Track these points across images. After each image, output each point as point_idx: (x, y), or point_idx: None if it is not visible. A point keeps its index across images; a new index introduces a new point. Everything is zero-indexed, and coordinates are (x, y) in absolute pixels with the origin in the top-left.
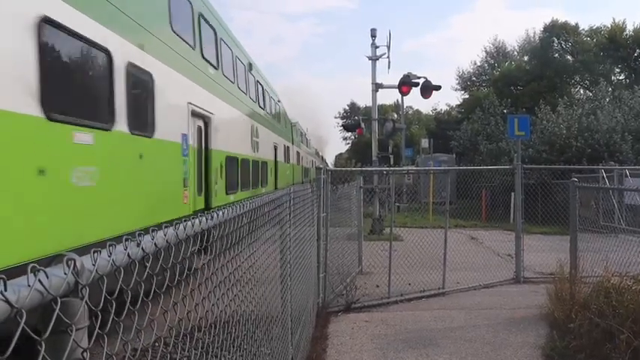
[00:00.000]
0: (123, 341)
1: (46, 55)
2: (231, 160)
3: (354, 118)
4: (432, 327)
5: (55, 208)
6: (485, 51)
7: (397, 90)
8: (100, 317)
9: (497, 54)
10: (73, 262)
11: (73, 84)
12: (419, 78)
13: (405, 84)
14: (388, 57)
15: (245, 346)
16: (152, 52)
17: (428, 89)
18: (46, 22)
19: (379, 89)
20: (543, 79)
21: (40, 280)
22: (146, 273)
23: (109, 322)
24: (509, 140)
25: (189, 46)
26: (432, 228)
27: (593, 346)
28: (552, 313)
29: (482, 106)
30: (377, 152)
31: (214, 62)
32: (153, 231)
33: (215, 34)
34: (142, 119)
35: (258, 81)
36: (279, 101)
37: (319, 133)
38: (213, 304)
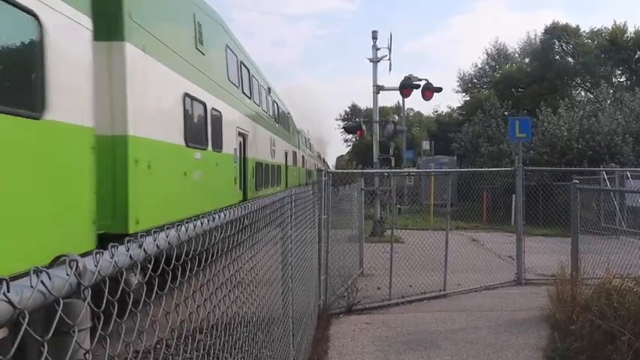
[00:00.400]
0: (125, 342)
1: (186, 113)
2: (259, 165)
3: (355, 120)
4: (433, 329)
5: (189, 192)
6: (486, 53)
7: (398, 92)
8: (102, 318)
9: (498, 56)
10: (75, 263)
11: (194, 126)
12: (420, 80)
13: (406, 86)
14: (389, 59)
15: (246, 348)
16: (222, 97)
17: (429, 91)
18: (187, 95)
19: (380, 91)
20: (544, 81)
21: (42, 282)
22: (148, 274)
23: (111, 324)
24: (511, 142)
25: (236, 86)
26: (433, 230)
27: (595, 347)
28: (553, 315)
29: (484, 108)
30: (378, 154)
31: (249, 94)
32: (155, 232)
33: (249, 72)
34: (217, 141)
35: (274, 101)
36: (288, 113)
37: (320, 134)
38: (215, 306)
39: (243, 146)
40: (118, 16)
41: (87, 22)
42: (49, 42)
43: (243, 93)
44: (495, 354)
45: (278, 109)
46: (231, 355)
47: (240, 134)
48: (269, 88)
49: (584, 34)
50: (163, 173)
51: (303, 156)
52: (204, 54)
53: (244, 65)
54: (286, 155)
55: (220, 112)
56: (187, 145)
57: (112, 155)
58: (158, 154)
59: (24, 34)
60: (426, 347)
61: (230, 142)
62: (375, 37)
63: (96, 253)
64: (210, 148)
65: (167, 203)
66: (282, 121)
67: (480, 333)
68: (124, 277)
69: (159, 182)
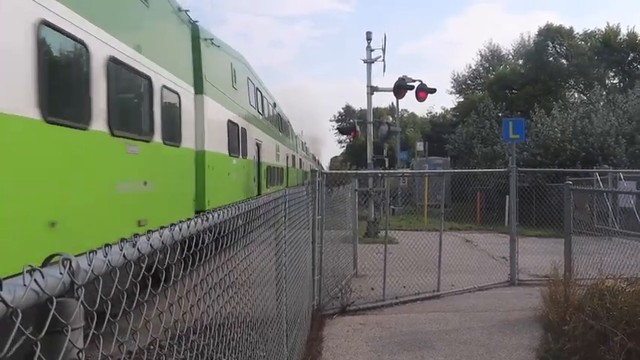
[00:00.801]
0: (118, 342)
1: (228, 132)
2: (268, 167)
3: (349, 121)
4: (426, 329)
5: (230, 186)
6: (481, 54)
7: (392, 93)
8: (95, 318)
9: (492, 57)
10: (68, 262)
11: (232, 140)
12: (414, 81)
13: (400, 87)
14: (383, 60)
15: (240, 349)
16: (246, 118)
17: (423, 92)
18: (229, 121)
19: (374, 92)
20: (538, 83)
21: (35, 280)
22: (142, 274)
23: (105, 323)
24: (504, 143)
25: (254, 107)
26: (426, 231)
27: (588, 348)
28: (547, 316)
29: (478, 110)
30: (372, 155)
31: (261, 111)
32: (149, 232)
33: (261, 94)
34: (244, 150)
35: (278, 113)
36: (288, 122)
37: (315, 136)
38: (208, 306)
39: (258, 153)
40: (201, 81)
41: (191, 88)
42: (184, 103)
43: (258, 112)
44: (489, 354)
45: (281, 120)
46: (224, 355)
47: (256, 144)
48: (274, 103)
49: (578, 36)
50: (218, 173)
51: (300, 159)
52: (236, 89)
53: (259, 90)
54: (287, 158)
55: (246, 129)
56: (229, 155)
57: (198, 163)
58: (216, 161)
59: (176, 100)
60: (420, 348)
61: (251, 151)
62: (369, 38)
63: (89, 252)
64: (240, 156)
65: (220, 193)
66: (284, 129)
67: (473, 333)
68: (117, 277)
69: (217, 179)
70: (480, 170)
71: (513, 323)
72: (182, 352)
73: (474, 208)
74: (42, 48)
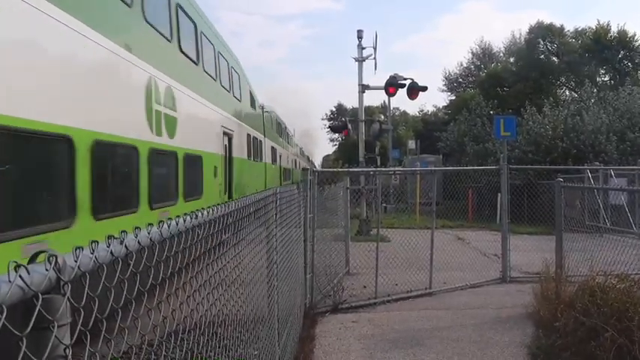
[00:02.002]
0: (106, 339)
1: (248, 143)
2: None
3: (340, 120)
4: (418, 327)
5: (250, 182)
6: (472, 52)
7: (384, 91)
8: (82, 314)
9: (484, 55)
10: (54, 258)
11: (252, 148)
12: (405, 79)
13: (392, 85)
14: (374, 58)
15: (231, 347)
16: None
17: (414, 90)
18: (248, 134)
19: (366, 90)
20: (529, 81)
21: (20, 276)
22: (130, 270)
23: (92, 320)
24: (496, 141)
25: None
26: (418, 229)
27: (579, 344)
28: (538, 312)
29: (469, 107)
30: (364, 153)
31: (277, 131)
32: (136, 229)
33: (280, 126)
34: (260, 155)
35: (285, 127)
36: (293, 136)
37: (307, 135)
38: (198, 303)
39: (279, 161)
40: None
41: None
42: (265, 144)
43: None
44: (480, 351)
45: (288, 134)
46: (215, 353)
47: (273, 149)
48: (285, 128)
49: (569, 34)
50: (241, 172)
51: (295, 160)
52: (254, 112)
53: (278, 122)
54: (288, 160)
55: (260, 140)
56: (248, 159)
57: (265, 168)
58: (239, 163)
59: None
60: (412, 345)
61: (268, 155)
62: (360, 37)
63: (76, 249)
64: (265, 160)
65: (242, 187)
66: (289, 140)
67: (465, 331)
68: (104, 274)
69: (240, 177)
70: (471, 168)
71: (505, 320)
72: (171, 350)
73: (466, 205)
74: (248, 141)
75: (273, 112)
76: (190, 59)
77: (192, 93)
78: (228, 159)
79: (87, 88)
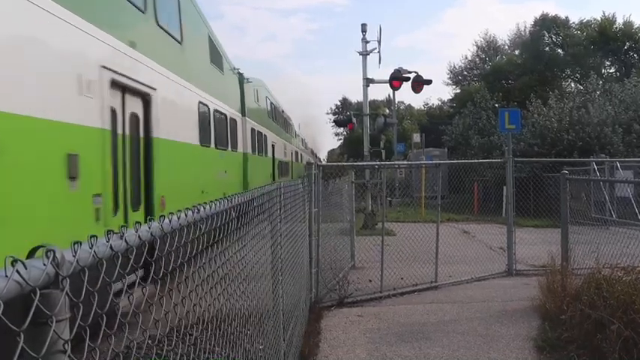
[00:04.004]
0: (107, 334)
1: (253, 139)
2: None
3: (345, 114)
4: (424, 320)
5: (261, 174)
6: (477, 45)
7: (388, 85)
8: (81, 309)
9: (489, 48)
10: (52, 253)
11: (257, 145)
12: (410, 73)
13: (396, 78)
14: (379, 52)
15: (236, 341)
16: (273, 131)
17: (419, 84)
18: (254, 130)
19: (370, 84)
20: (534, 73)
21: (18, 271)
22: (130, 264)
23: (91, 315)
24: (501, 134)
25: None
26: (424, 222)
27: (585, 336)
28: (544, 305)
29: (474, 101)
30: (369, 147)
31: (282, 124)
32: (137, 223)
33: (276, 109)
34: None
35: (286, 119)
36: (298, 134)
37: (312, 130)
38: (200, 298)
39: (272, 152)
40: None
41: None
42: (244, 126)
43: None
44: (486, 344)
45: (288, 122)
46: (219, 346)
47: (272, 146)
48: (283, 112)
49: (574, 26)
50: (253, 167)
51: (301, 154)
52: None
53: (271, 102)
54: (285, 152)
55: (233, 119)
56: (254, 154)
57: (243, 161)
58: (253, 160)
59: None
60: (418, 339)
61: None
62: (364, 31)
63: (74, 243)
64: (263, 155)
65: (256, 179)
66: (288, 129)
67: (471, 324)
68: (104, 268)
69: (253, 170)
70: (476, 161)
71: (511, 313)
72: (174, 344)
73: (472, 199)
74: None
75: (262, 86)
76: (289, 133)
77: (288, 144)
78: (145, 140)
79: None
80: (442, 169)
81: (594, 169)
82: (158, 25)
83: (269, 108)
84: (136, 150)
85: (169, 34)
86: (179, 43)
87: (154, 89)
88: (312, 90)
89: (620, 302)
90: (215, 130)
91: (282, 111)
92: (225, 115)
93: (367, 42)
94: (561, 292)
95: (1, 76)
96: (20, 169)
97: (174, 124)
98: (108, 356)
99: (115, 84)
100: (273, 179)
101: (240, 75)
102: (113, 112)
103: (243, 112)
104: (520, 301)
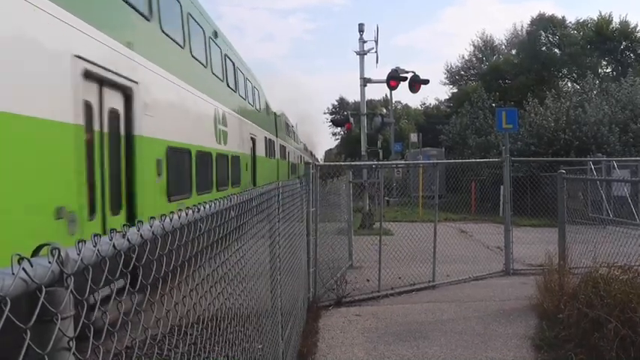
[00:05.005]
0: (110, 332)
1: (265, 145)
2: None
3: (342, 114)
4: (422, 320)
5: (269, 174)
6: (474, 45)
7: (386, 85)
8: (85, 307)
9: (485, 48)
10: (57, 251)
11: (269, 148)
12: (407, 72)
13: (393, 78)
14: (376, 51)
15: (235, 340)
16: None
17: (416, 83)
18: (267, 139)
19: (367, 84)
20: (531, 73)
21: (24, 269)
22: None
23: (95, 313)
24: (498, 133)
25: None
26: (421, 222)
27: (582, 335)
28: (541, 304)
29: (471, 100)
30: (366, 147)
31: (286, 132)
32: (139, 222)
33: (288, 127)
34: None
35: (290, 126)
36: (300, 141)
37: (308, 128)
38: (201, 297)
39: (283, 154)
40: (276, 134)
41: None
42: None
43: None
44: (484, 343)
45: (294, 133)
46: (218, 345)
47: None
48: (291, 126)
49: (570, 25)
50: (281, 167)
51: (301, 156)
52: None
53: (286, 123)
54: (294, 156)
55: (284, 147)
56: (266, 156)
57: (277, 163)
58: (260, 160)
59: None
60: (416, 338)
61: (294, 156)
62: (361, 30)
63: (79, 242)
64: (273, 157)
65: (282, 175)
66: (297, 140)
67: (468, 323)
68: (106, 267)
69: (281, 169)
70: (473, 160)
71: (508, 312)
72: (174, 343)
73: (469, 198)
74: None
75: (283, 114)
76: (242, 97)
77: (237, 115)
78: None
79: None
80: (439, 169)
81: (591, 168)
82: (256, 109)
83: (286, 129)
84: (253, 160)
85: (258, 110)
86: (259, 112)
87: (256, 136)
88: (310, 89)
89: (617, 301)
90: (269, 148)
91: (292, 126)
92: (270, 139)
93: (365, 42)
94: (559, 291)
95: None
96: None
97: (260, 148)
98: (110, 355)
99: (251, 137)
100: (288, 175)
101: (274, 113)
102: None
103: (276, 135)
104: (518, 300)
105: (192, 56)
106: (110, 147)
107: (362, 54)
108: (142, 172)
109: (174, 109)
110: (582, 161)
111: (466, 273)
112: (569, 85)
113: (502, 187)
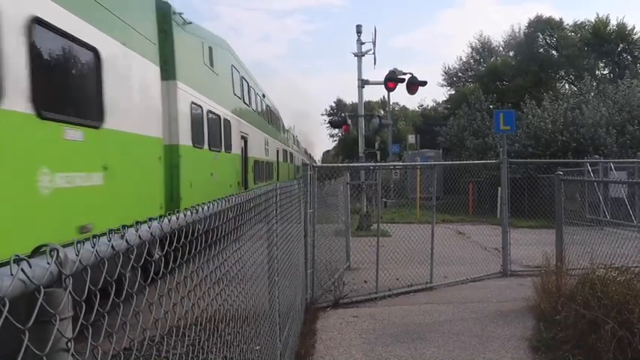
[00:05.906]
0: (108, 332)
1: (265, 146)
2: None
3: (340, 115)
4: (419, 321)
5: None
6: (471, 47)
7: (383, 86)
8: (84, 308)
9: (483, 50)
10: (56, 252)
11: (266, 149)
12: (405, 74)
13: (391, 80)
14: (374, 53)
15: (233, 342)
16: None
17: (414, 85)
18: (266, 141)
19: (365, 85)
20: (528, 74)
21: (22, 270)
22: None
23: (93, 313)
24: (496, 135)
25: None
26: (419, 223)
27: (579, 336)
28: (539, 306)
29: (469, 102)
30: (364, 148)
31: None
32: (137, 223)
33: (295, 138)
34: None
35: (300, 144)
36: (296, 137)
37: (306, 130)
38: (199, 298)
39: (292, 159)
40: (288, 145)
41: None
42: (293, 153)
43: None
44: (482, 345)
45: (298, 142)
46: (216, 347)
47: (290, 154)
48: (294, 138)
49: (568, 27)
50: (282, 168)
51: (303, 159)
52: (285, 135)
53: (294, 135)
54: (299, 160)
55: (292, 154)
56: (284, 161)
57: (244, 163)
58: (281, 164)
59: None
60: (413, 339)
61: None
62: (359, 32)
63: (77, 243)
64: (286, 161)
65: (283, 176)
66: (300, 147)
67: (466, 324)
68: (105, 267)
69: (281, 170)
70: (471, 162)
71: (506, 314)
72: (172, 344)
73: (467, 200)
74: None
75: (291, 128)
76: (276, 129)
77: (271, 139)
78: (277, 164)
79: None
80: (437, 170)
81: (588, 170)
82: (278, 132)
83: (293, 139)
84: (278, 166)
85: (278, 131)
86: (279, 132)
87: (278, 150)
88: (307, 90)
89: (614, 302)
90: (284, 156)
91: (296, 136)
92: (286, 150)
93: (362, 43)
94: (556, 293)
95: None
96: (277, 168)
97: (282, 158)
98: (109, 355)
99: (276, 151)
100: (295, 174)
101: (288, 130)
102: (277, 157)
103: (288, 146)
104: (515, 301)
105: (261, 116)
106: (242, 161)
107: (360, 55)
108: (248, 170)
109: (258, 145)
110: (579, 163)
111: (464, 274)
112: (567, 86)
113: (499, 188)
